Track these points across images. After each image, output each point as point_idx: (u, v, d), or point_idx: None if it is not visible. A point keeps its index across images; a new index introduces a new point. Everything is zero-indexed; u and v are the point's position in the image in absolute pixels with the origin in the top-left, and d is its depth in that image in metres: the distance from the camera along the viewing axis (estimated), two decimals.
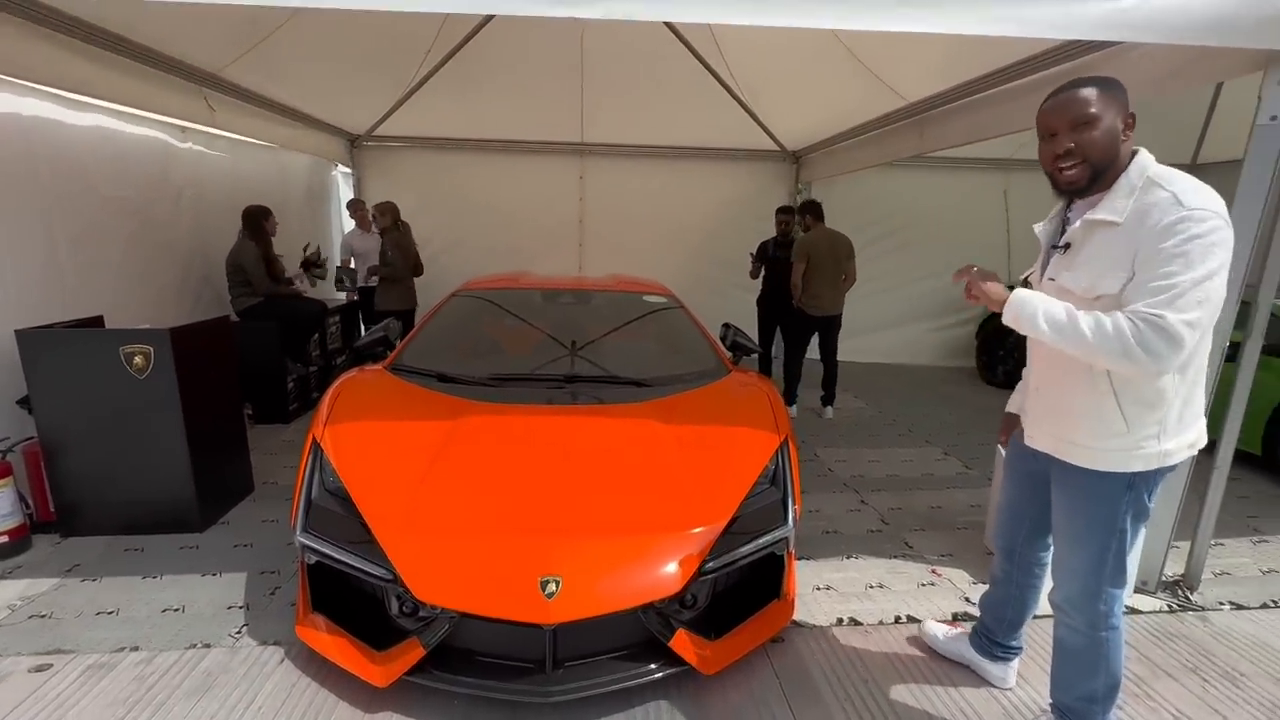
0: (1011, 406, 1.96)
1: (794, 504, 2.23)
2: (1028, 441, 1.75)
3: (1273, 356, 3.81)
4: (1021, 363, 1.84)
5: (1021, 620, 2.05)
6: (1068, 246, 1.57)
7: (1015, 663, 2.10)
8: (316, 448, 2.21)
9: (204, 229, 4.61)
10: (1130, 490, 1.54)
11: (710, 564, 1.95)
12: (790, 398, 5.02)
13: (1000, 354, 6.19)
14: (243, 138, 4.85)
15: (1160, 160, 1.51)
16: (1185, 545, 2.63)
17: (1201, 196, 1.38)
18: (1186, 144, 7.00)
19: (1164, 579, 2.64)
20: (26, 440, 2.86)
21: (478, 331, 3.20)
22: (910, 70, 4.23)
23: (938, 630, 2.28)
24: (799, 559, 2.81)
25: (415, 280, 5.33)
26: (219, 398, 3.09)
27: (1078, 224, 1.53)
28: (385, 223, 5.06)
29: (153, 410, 2.76)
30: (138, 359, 2.72)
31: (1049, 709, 1.82)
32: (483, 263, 6.45)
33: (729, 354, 3.29)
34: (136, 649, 2.12)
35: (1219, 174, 6.17)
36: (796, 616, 2.35)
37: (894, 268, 6.91)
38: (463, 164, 6.77)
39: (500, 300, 3.43)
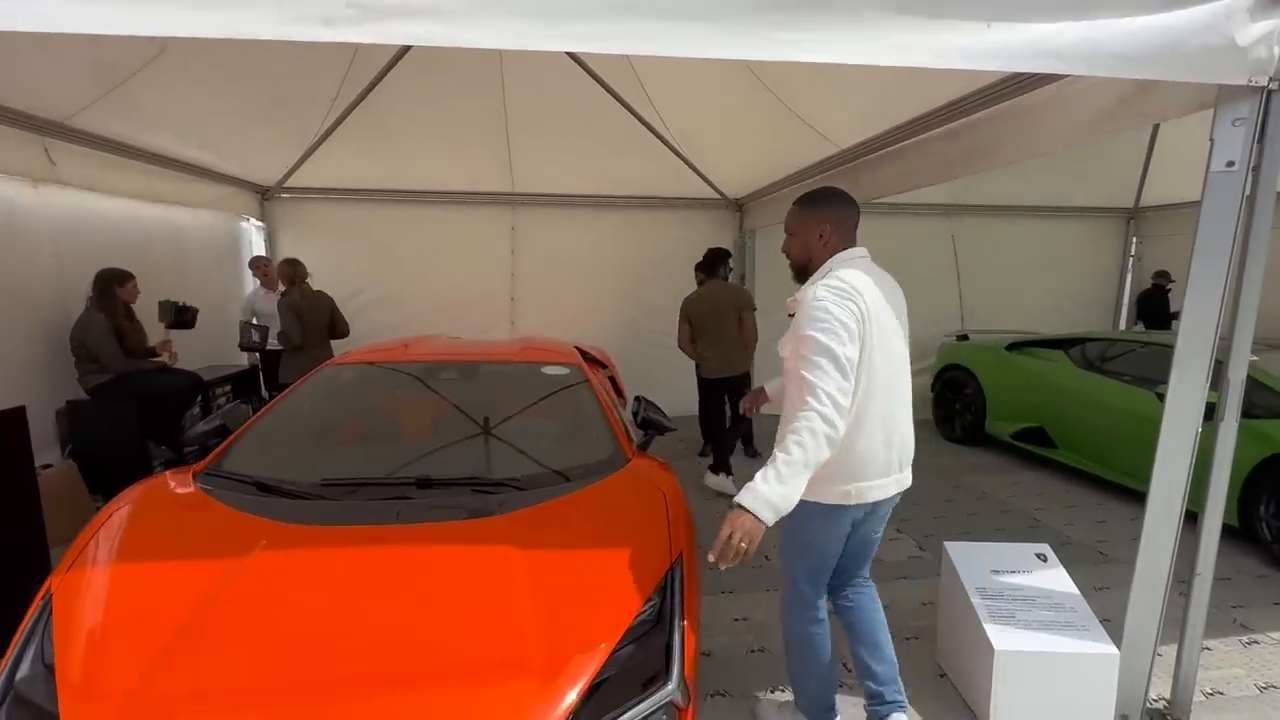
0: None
1: (685, 649, 1.74)
2: None
3: (1244, 418, 3.49)
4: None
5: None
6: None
7: None
8: (46, 603, 1.66)
9: (71, 296, 4.04)
10: (807, 521, 1.85)
11: None
12: (721, 465, 4.55)
13: (958, 407, 5.85)
14: (108, 193, 4.33)
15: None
16: (1169, 650, 2.19)
17: (820, 290, 1.72)
18: (1127, 190, 6.98)
19: (1150, 705, 2.19)
20: None
21: (330, 419, 2.69)
22: (840, 116, 3.98)
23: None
24: (711, 696, 2.29)
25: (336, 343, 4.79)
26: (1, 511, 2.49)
27: (790, 301, 1.85)
28: (284, 284, 4.55)
29: None
30: None
31: None
32: (408, 321, 5.97)
33: (641, 433, 2.84)
34: None
35: (1162, 219, 6.00)
36: None
37: None
38: (386, 216, 6.34)
39: (369, 378, 2.93)
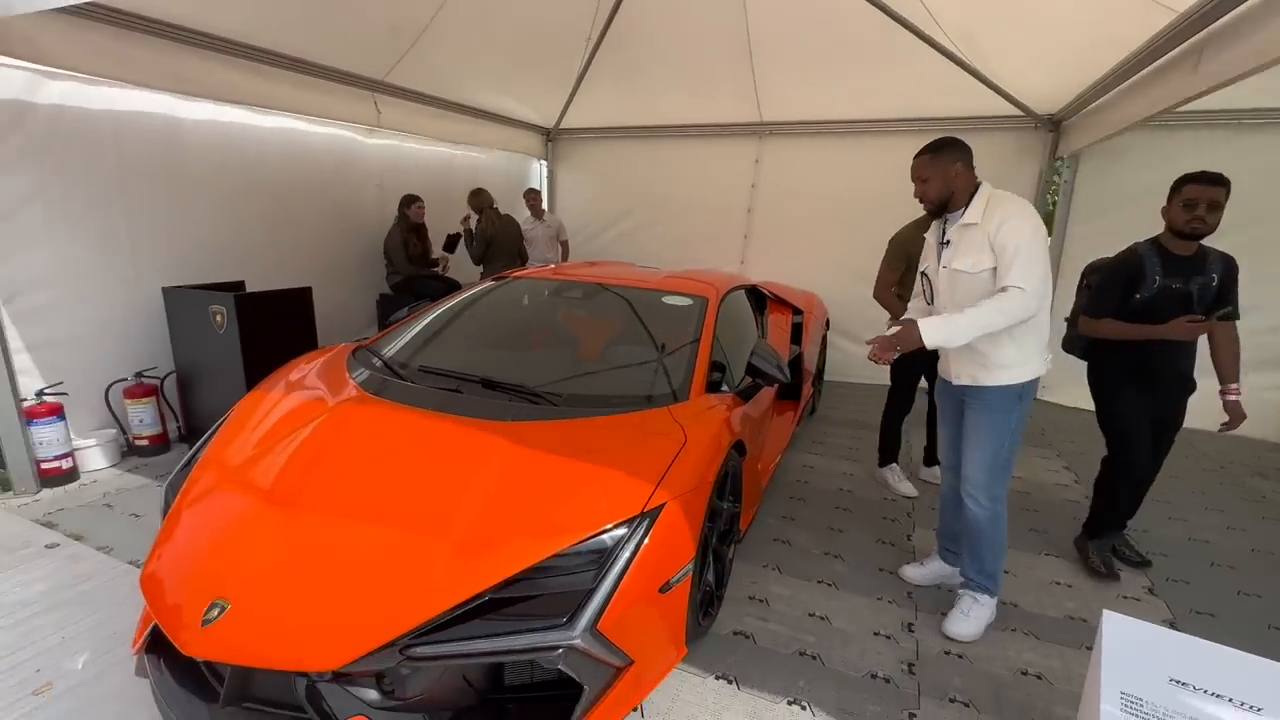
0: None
1: (619, 601, 1.61)
2: (954, 380, 2.27)
3: None
4: None
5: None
6: (948, 243, 2.20)
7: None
8: (228, 414, 2.35)
9: (389, 217, 5.40)
10: (1020, 400, 2.17)
11: (417, 640, 1.48)
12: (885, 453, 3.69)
13: None
14: (423, 137, 5.54)
15: None
16: None
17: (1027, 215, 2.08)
18: None
19: None
20: (171, 373, 3.74)
21: (464, 321, 3.05)
22: None
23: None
24: (717, 679, 2.00)
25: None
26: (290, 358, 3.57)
27: (954, 227, 2.18)
28: (474, 211, 5.31)
29: (227, 362, 3.34)
30: (218, 316, 3.31)
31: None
32: (649, 253, 6.25)
33: (750, 377, 2.57)
34: None
35: None
36: None
37: None
38: (639, 153, 6.67)
39: (515, 292, 3.23)
